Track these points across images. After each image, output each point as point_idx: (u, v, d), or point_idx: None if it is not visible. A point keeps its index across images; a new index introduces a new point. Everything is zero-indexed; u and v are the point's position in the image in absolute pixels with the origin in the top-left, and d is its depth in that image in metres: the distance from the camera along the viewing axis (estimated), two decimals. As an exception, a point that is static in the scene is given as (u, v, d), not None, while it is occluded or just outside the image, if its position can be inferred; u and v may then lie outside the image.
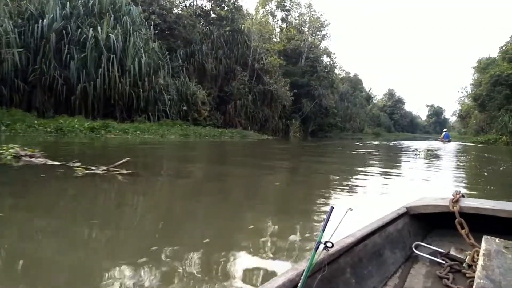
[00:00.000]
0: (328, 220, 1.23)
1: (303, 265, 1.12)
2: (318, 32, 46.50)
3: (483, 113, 38.21)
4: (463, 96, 56.49)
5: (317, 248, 1.17)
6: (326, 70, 44.06)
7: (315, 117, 43.69)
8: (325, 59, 46.36)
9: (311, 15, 44.04)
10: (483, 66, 44.22)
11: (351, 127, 56.53)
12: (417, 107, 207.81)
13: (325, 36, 46.91)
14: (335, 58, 48.51)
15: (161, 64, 20.11)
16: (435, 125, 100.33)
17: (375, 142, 25.93)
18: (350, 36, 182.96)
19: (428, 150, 12.64)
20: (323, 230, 1.21)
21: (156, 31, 25.22)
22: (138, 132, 15.11)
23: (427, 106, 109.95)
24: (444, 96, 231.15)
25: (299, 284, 1.04)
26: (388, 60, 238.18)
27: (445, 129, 38.58)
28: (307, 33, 43.77)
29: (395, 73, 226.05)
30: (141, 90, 18.83)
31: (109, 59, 17.91)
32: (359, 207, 3.75)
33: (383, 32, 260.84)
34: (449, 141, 31.25)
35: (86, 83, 17.60)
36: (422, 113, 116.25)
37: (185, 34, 25.64)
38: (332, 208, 1.25)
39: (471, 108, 45.78)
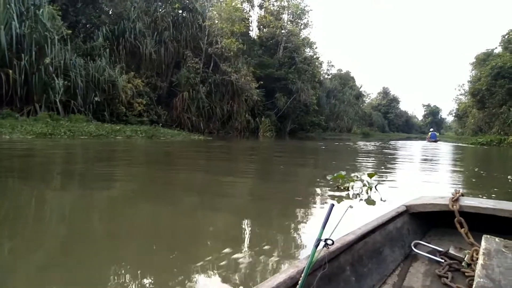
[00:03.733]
0: (328, 217, 1.18)
1: (303, 263, 1.10)
2: (299, 20, 41.25)
3: (482, 111, 33.85)
4: (460, 94, 52.22)
5: (317, 245, 1.13)
6: (307, 63, 39.10)
7: (294, 114, 38.77)
8: (307, 51, 41.30)
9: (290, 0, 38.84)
10: (483, 58, 39.33)
11: (338, 126, 51.49)
12: (413, 106, 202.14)
13: (307, 25, 41.59)
14: (316, 48, 43.07)
15: (50, 37, 14.67)
16: (432, 125, 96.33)
17: (360, 143, 20.85)
18: (342, 30, 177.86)
19: (374, 174, 4.23)
20: (323, 228, 1.16)
21: (76, 3, 20.03)
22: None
23: (423, 105, 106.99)
24: (441, 95, 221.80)
25: (299, 282, 1.01)
26: (382, 57, 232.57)
27: (431, 129, 36.48)
28: (285, 20, 38.69)
29: (390, 71, 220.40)
30: (14, 71, 13.54)
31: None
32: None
33: (378, 27, 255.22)
34: (435, 141, 28.67)
35: None
36: (418, 113, 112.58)
37: (112, 8, 20.42)
38: (332, 205, 1.21)
39: (469, 106, 41.63)
